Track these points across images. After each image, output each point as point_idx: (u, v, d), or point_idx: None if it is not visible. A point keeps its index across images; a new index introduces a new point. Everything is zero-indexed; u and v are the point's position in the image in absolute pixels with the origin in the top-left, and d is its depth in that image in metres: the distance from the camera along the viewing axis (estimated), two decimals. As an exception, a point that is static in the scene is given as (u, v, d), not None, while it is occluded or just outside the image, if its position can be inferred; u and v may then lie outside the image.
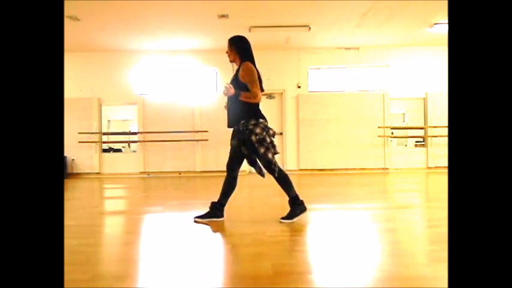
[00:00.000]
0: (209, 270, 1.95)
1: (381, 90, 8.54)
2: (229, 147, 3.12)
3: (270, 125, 3.01)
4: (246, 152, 2.96)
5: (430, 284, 1.71)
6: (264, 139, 2.88)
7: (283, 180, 2.99)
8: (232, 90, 2.84)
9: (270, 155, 2.89)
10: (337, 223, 3.06)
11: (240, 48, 3.03)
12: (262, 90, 3.01)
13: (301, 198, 3.04)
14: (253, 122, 2.89)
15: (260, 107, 3.02)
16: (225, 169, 3.13)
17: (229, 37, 3.13)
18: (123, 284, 1.74)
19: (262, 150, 2.88)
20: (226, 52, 3.11)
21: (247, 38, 3.10)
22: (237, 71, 3.00)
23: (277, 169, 2.93)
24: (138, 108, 8.40)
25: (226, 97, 2.99)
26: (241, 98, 2.87)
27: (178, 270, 1.93)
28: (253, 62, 2.99)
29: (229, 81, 3.03)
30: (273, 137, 2.99)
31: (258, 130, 2.87)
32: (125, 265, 2.04)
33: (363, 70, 8.64)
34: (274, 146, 2.95)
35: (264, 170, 3.00)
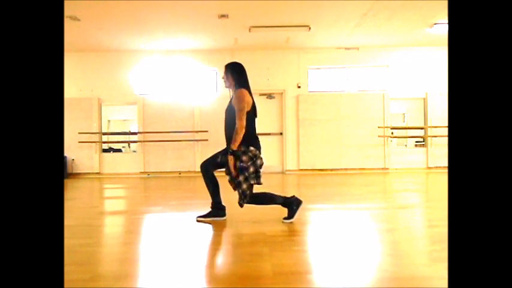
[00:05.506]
0: (209, 270, 1.95)
1: (381, 90, 8.54)
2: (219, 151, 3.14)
3: (259, 154, 2.96)
4: (228, 173, 2.99)
5: (430, 284, 1.71)
6: (246, 168, 2.86)
7: (262, 200, 2.99)
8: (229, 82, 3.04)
9: (244, 186, 2.88)
10: (337, 223, 3.07)
11: (235, 75, 3.06)
12: (255, 115, 3.01)
13: (290, 196, 3.05)
14: (242, 149, 2.88)
15: (255, 134, 2.99)
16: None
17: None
18: (123, 284, 1.74)
19: (241, 178, 2.88)
20: (222, 77, 3.17)
21: (242, 64, 3.13)
22: (232, 97, 3.03)
23: (243, 202, 2.92)
24: (138, 108, 8.40)
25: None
26: (232, 147, 2.85)
27: (178, 270, 1.93)
28: (247, 89, 3.01)
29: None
30: (260, 168, 2.94)
31: (244, 158, 2.87)
32: (125, 265, 2.05)
33: (363, 70, 8.64)
34: (258, 177, 2.90)
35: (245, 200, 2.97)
